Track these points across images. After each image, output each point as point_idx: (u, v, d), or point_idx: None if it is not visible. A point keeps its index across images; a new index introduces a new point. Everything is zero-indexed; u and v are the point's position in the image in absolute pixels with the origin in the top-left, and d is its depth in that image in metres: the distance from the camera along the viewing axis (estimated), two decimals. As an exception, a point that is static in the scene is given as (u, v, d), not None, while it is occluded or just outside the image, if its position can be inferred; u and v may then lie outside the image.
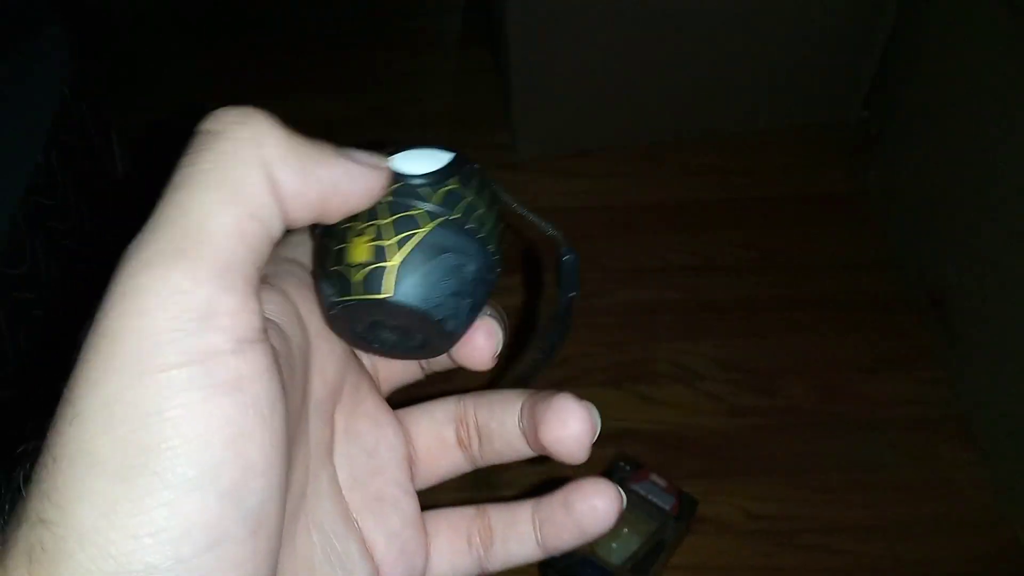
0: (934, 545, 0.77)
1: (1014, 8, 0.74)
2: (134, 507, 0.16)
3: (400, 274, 0.20)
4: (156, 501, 0.16)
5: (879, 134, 1.06)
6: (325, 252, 0.21)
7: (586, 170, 1.12)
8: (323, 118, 1.23)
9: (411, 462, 0.25)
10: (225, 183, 0.18)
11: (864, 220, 1.04)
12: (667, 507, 0.75)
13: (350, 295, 0.21)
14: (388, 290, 0.20)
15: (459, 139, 1.18)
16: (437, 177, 0.21)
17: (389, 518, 0.24)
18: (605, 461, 0.78)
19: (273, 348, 0.18)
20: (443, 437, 0.25)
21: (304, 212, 0.19)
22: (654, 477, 0.76)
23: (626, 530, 0.74)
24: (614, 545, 0.74)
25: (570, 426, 0.22)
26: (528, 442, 0.24)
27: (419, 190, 0.21)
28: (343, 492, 0.23)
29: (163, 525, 0.16)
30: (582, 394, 0.88)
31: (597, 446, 0.82)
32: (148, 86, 1.34)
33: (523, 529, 0.25)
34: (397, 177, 0.21)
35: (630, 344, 0.92)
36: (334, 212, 0.20)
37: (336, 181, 0.19)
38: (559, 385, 0.83)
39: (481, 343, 0.23)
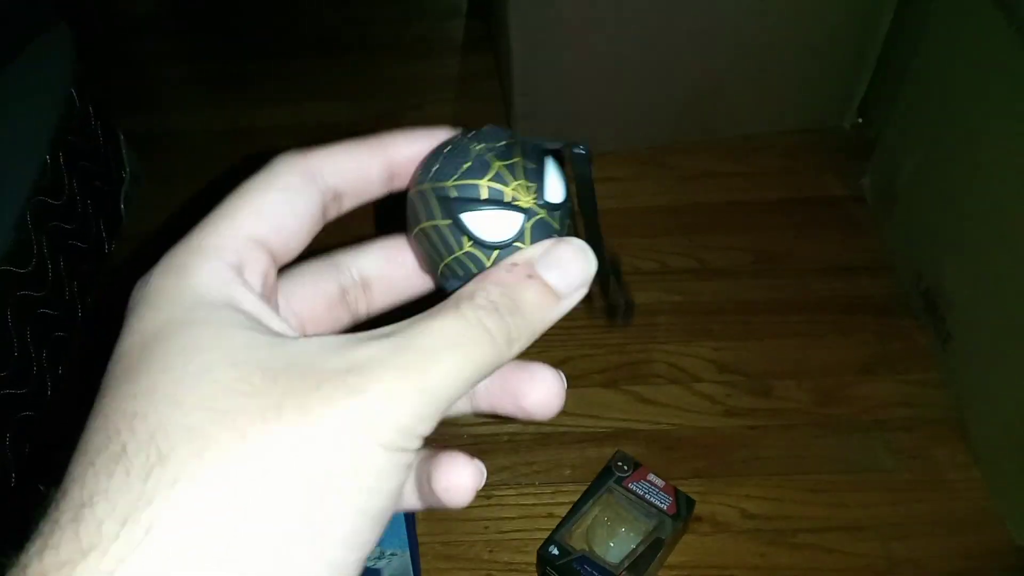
0: (928, 544, 0.78)
1: (1011, 14, 0.75)
2: (310, 525, 0.18)
3: None
4: (322, 529, 0.19)
5: (874, 139, 1.07)
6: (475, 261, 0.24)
7: (585, 174, 1.13)
8: (326, 122, 1.24)
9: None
10: (478, 369, 0.21)
11: (859, 224, 1.05)
12: (664, 506, 0.75)
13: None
14: None
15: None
16: (567, 193, 0.24)
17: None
18: (604, 460, 0.79)
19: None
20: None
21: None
22: (651, 477, 0.77)
23: (624, 529, 0.75)
24: (611, 544, 0.74)
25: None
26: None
27: (568, 206, 0.24)
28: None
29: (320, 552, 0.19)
30: (581, 394, 0.90)
31: (596, 445, 0.84)
32: (154, 87, 1.36)
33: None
34: (555, 207, 0.24)
35: (628, 346, 0.93)
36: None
37: (521, 338, 0.23)
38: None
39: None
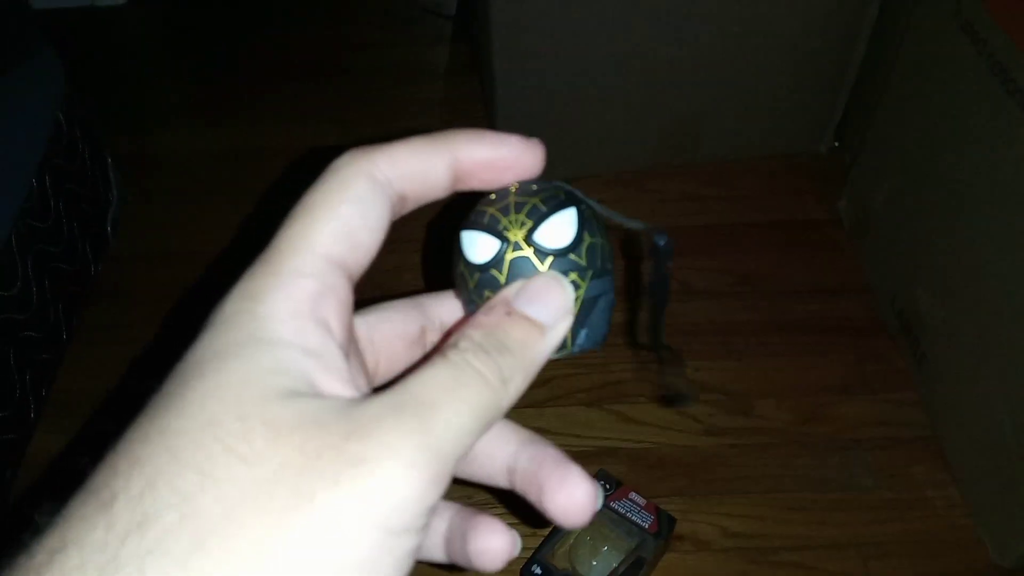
0: (907, 563, 0.79)
1: (981, 44, 0.77)
2: None
3: (574, 330, 0.24)
4: None
5: (851, 164, 1.09)
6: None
7: (569, 197, 1.14)
8: (313, 146, 1.25)
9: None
10: (481, 421, 0.20)
11: (837, 246, 1.07)
12: (646, 525, 0.76)
13: None
14: (567, 346, 0.24)
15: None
16: (572, 245, 0.24)
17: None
18: (585, 479, 0.79)
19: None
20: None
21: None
22: (633, 495, 0.78)
23: (606, 547, 0.75)
24: (594, 562, 0.75)
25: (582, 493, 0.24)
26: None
27: (570, 256, 0.24)
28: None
29: None
30: (564, 413, 0.90)
31: (578, 464, 0.83)
32: (142, 110, 1.37)
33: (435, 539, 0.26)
34: (548, 252, 0.24)
35: (610, 365, 0.94)
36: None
37: (512, 387, 0.22)
38: (542, 404, 0.84)
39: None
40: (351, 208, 0.22)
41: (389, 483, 0.18)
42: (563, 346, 0.24)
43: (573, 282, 0.24)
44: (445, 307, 0.27)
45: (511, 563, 0.81)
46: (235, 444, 0.17)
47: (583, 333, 0.24)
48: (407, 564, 0.19)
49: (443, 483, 0.19)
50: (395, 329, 0.26)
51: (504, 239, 0.24)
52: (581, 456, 0.86)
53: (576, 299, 0.24)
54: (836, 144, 1.19)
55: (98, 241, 1.08)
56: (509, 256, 0.24)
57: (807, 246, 1.07)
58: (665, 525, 0.76)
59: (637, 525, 0.76)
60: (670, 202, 1.13)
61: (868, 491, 0.84)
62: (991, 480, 0.79)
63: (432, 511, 0.19)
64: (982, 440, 0.80)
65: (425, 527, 0.19)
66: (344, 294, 0.21)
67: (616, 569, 0.74)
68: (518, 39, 1.02)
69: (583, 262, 0.24)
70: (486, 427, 0.20)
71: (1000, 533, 0.78)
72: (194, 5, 1.55)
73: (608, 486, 0.78)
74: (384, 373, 0.26)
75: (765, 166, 1.17)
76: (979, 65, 0.77)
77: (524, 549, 0.77)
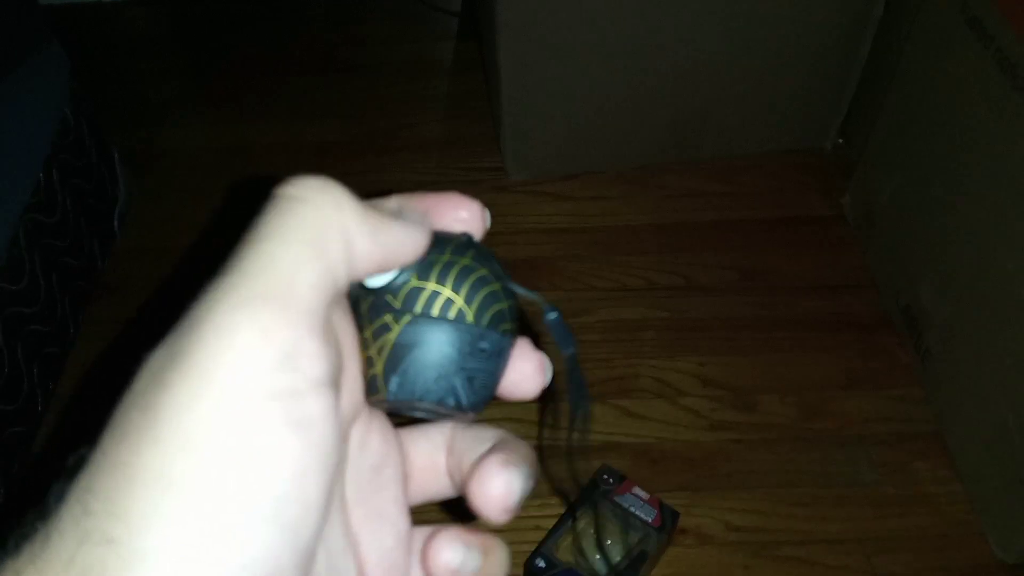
0: (910, 559, 0.79)
1: (987, 40, 0.77)
2: (207, 534, 0.16)
3: (385, 377, 0.23)
4: (229, 530, 0.17)
5: (855, 160, 1.09)
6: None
7: (573, 193, 1.15)
8: (319, 142, 1.26)
9: (407, 481, 0.26)
10: (311, 242, 0.20)
11: (841, 242, 1.07)
12: (649, 519, 0.76)
13: (368, 395, 0.24)
14: (382, 391, 0.23)
15: (451, 163, 1.21)
16: (398, 280, 0.23)
17: (385, 536, 0.24)
18: (590, 474, 0.80)
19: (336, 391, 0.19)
20: (435, 461, 0.26)
21: (368, 269, 0.21)
22: (636, 490, 0.78)
23: (610, 541, 0.76)
24: (598, 556, 0.75)
25: (493, 489, 0.23)
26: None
27: (386, 297, 0.23)
28: (347, 507, 0.23)
29: (232, 555, 0.16)
30: (568, 408, 0.89)
31: (583, 459, 0.84)
32: (149, 105, 1.37)
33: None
34: (368, 291, 0.23)
35: (614, 360, 0.94)
36: (389, 267, 0.22)
37: (395, 243, 0.22)
38: (546, 399, 0.84)
39: (530, 373, 0.24)
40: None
41: (214, 359, 0.17)
42: (375, 389, 0.23)
43: (384, 323, 0.23)
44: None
45: (515, 556, 0.81)
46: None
47: (395, 380, 0.23)
48: (307, 432, 0.18)
49: (294, 322, 0.18)
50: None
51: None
52: (586, 451, 0.86)
53: (386, 342, 0.22)
54: (841, 140, 1.18)
55: (105, 236, 1.08)
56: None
57: (812, 242, 1.07)
58: (668, 519, 0.76)
59: (640, 519, 0.76)
60: (675, 198, 1.13)
61: (872, 486, 0.84)
62: (995, 476, 0.79)
63: (306, 355, 0.18)
64: (986, 436, 0.80)
65: (313, 381, 0.18)
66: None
67: (619, 563, 0.74)
68: (524, 36, 1.02)
69: (397, 304, 0.22)
70: (325, 250, 0.19)
71: (1003, 529, 0.78)
72: (200, 1, 1.55)
73: (612, 480, 0.79)
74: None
75: (770, 162, 1.17)
76: (985, 60, 0.77)
77: (528, 543, 0.78)
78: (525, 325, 0.25)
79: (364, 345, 0.23)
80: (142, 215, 1.15)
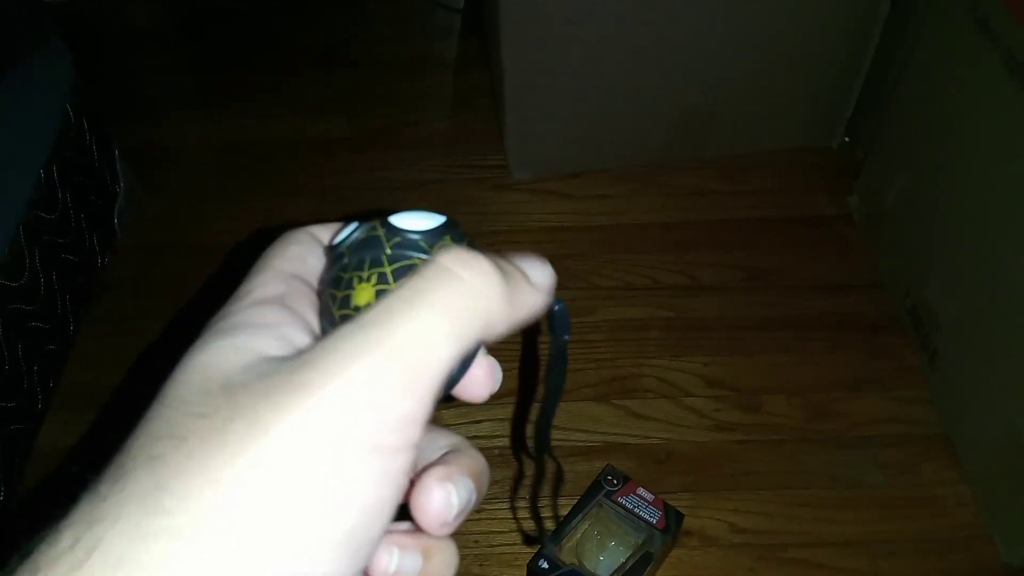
0: (916, 561, 0.78)
1: (995, 40, 0.76)
2: (282, 545, 0.17)
3: None
4: (300, 546, 0.18)
5: (862, 159, 1.08)
6: (331, 300, 0.23)
7: (577, 191, 1.14)
8: (322, 139, 1.25)
9: None
10: (458, 321, 0.20)
11: (847, 242, 1.06)
12: (654, 520, 0.76)
13: None
14: None
15: (455, 160, 1.21)
16: (433, 233, 0.23)
17: None
18: (593, 475, 0.79)
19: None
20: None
21: (495, 339, 0.22)
22: (641, 491, 0.78)
23: (613, 543, 0.75)
24: (601, 558, 0.75)
25: (430, 503, 0.23)
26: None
27: (419, 243, 0.23)
28: None
29: (296, 569, 0.18)
30: (572, 408, 0.89)
31: (586, 460, 0.84)
32: (150, 101, 1.37)
33: None
34: (398, 232, 0.23)
35: (619, 360, 0.94)
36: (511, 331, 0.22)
37: (525, 312, 0.22)
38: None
39: (482, 379, 0.24)
40: (297, 248, 0.25)
41: (338, 400, 0.18)
42: None
43: (414, 264, 0.22)
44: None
45: (518, 558, 0.81)
46: (200, 409, 0.19)
47: None
48: (390, 484, 0.19)
49: (426, 402, 0.19)
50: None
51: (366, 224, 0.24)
52: (589, 451, 0.85)
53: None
54: (848, 139, 1.18)
55: (105, 233, 1.08)
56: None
57: (818, 242, 1.06)
58: (673, 521, 0.76)
59: (644, 520, 0.76)
60: (680, 197, 1.13)
61: (878, 488, 0.83)
62: (1002, 478, 0.78)
63: (415, 423, 0.19)
64: (993, 438, 0.79)
65: (410, 444, 0.19)
66: (307, 288, 0.24)
67: (623, 564, 0.73)
68: (527, 33, 1.01)
69: (433, 254, 0.22)
70: (468, 331, 0.20)
71: (1010, 531, 0.78)
72: (203, -3, 1.54)
73: (615, 481, 0.78)
74: None
75: (776, 161, 1.16)
76: (993, 59, 0.76)
77: (531, 544, 0.77)
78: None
79: (376, 279, 0.23)
80: (143, 212, 1.15)
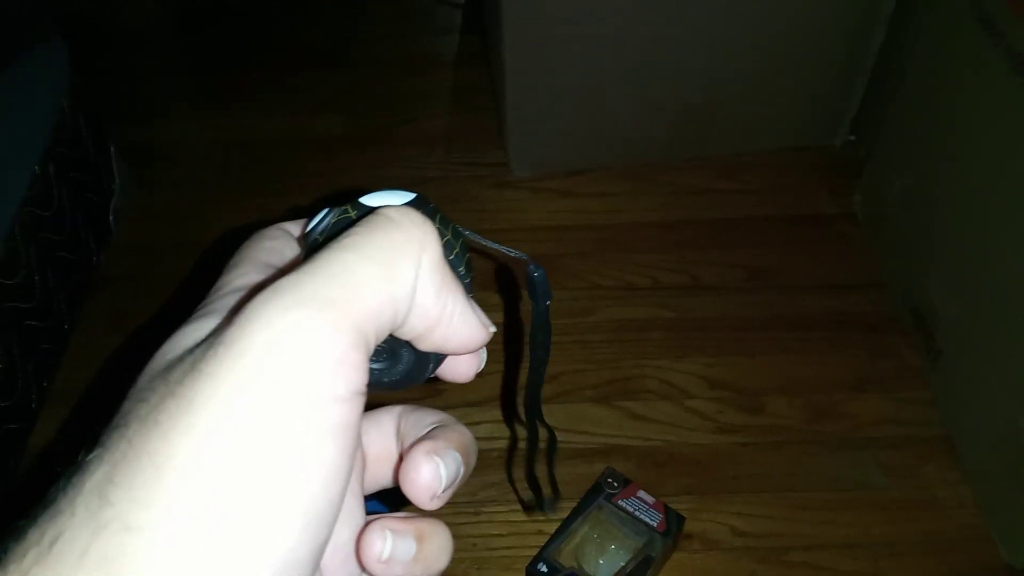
0: (918, 563, 0.78)
1: (998, 37, 0.75)
2: (237, 525, 0.17)
3: None
4: (261, 524, 0.17)
5: (865, 158, 1.07)
6: None
7: (578, 190, 1.13)
8: (321, 136, 1.24)
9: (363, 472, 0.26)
10: (388, 265, 0.20)
11: (850, 241, 1.05)
12: (654, 523, 0.75)
13: None
14: None
15: (455, 158, 1.20)
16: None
17: (342, 529, 0.24)
18: (593, 477, 0.78)
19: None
20: (388, 448, 0.26)
21: (417, 323, 0.21)
22: (641, 493, 0.77)
23: (613, 546, 0.74)
24: (601, 561, 0.74)
25: (419, 477, 0.23)
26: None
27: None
28: None
29: (260, 547, 0.17)
30: (573, 410, 0.88)
31: (586, 462, 0.83)
32: (147, 98, 1.36)
33: None
34: (369, 212, 0.22)
35: (619, 361, 0.93)
36: (435, 340, 0.22)
37: (452, 314, 0.21)
38: (550, 401, 0.83)
39: (466, 357, 0.24)
40: (271, 242, 0.25)
41: (266, 356, 0.17)
42: None
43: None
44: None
45: (517, 562, 0.80)
46: (143, 395, 0.18)
47: None
48: (340, 436, 0.18)
49: (351, 332, 0.18)
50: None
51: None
52: (589, 453, 0.85)
53: None
54: (851, 138, 1.17)
55: (101, 230, 1.07)
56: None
57: (820, 241, 1.06)
58: (674, 524, 0.75)
59: (645, 523, 0.75)
60: (682, 195, 1.12)
61: (880, 490, 0.83)
62: (1004, 479, 0.78)
63: (353, 366, 0.18)
64: (996, 439, 0.78)
65: (353, 391, 0.18)
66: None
67: (623, 568, 0.73)
68: (529, 30, 1.00)
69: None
70: (400, 273, 0.20)
71: (1012, 533, 0.77)
72: (201, -7, 1.54)
73: (616, 484, 0.77)
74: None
75: (779, 159, 1.15)
76: (996, 57, 0.75)
77: (530, 547, 0.77)
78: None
79: None
80: (139, 209, 1.14)
